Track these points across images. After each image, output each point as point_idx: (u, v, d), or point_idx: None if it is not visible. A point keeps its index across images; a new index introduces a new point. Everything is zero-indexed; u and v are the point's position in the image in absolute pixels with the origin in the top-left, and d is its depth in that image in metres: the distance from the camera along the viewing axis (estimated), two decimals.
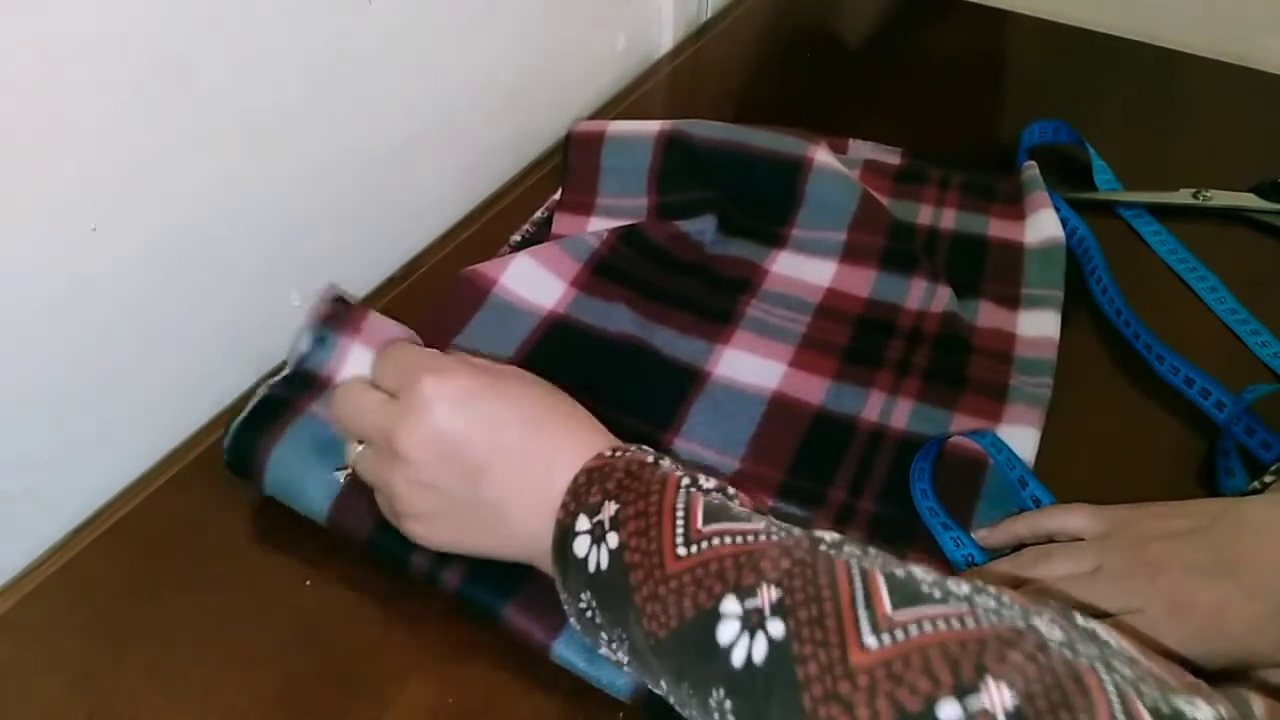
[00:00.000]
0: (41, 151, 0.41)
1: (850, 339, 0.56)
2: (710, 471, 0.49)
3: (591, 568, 0.36)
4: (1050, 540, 0.45)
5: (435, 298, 0.57)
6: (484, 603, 0.42)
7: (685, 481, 0.37)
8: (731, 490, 0.38)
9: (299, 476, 0.45)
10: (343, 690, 0.41)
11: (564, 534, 0.37)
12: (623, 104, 0.78)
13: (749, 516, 0.36)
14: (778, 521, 0.36)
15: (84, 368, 0.46)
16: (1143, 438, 0.52)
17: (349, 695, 0.41)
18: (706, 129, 0.65)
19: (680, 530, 0.35)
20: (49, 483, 0.46)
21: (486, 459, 0.39)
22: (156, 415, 0.51)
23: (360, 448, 0.42)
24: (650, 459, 0.39)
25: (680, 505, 0.36)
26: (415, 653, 0.42)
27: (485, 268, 0.58)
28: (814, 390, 0.53)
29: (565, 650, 0.41)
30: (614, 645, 0.37)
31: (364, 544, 0.44)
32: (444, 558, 0.43)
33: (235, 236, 0.51)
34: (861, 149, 0.71)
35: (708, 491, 0.37)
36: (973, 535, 0.46)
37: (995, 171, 0.69)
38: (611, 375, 0.53)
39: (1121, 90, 0.81)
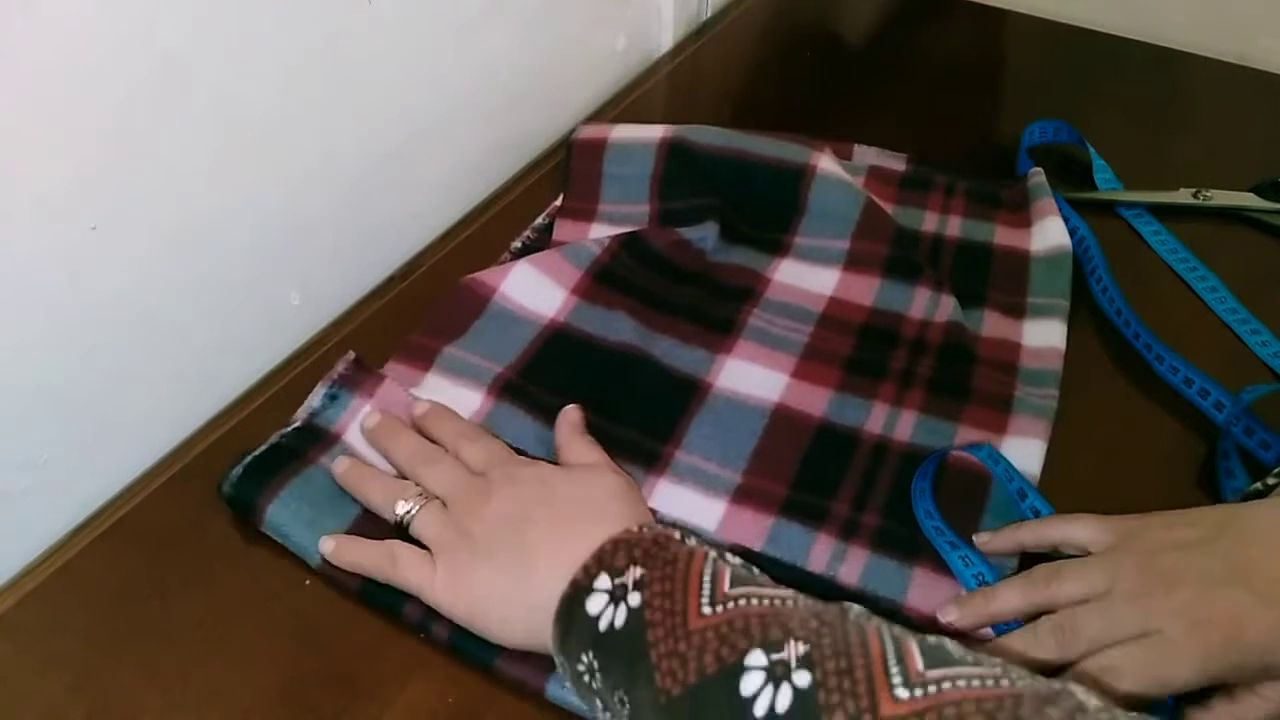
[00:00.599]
0: (41, 151, 0.41)
1: (853, 349, 0.56)
2: (714, 481, 0.49)
3: (603, 626, 0.36)
4: (1055, 550, 0.44)
5: (435, 298, 0.57)
6: (475, 654, 0.41)
7: (712, 554, 0.38)
8: (757, 569, 0.39)
9: (300, 521, 0.45)
10: (343, 690, 0.41)
11: (577, 591, 0.37)
12: (622, 104, 0.78)
13: (775, 585, 0.36)
14: (805, 594, 0.36)
15: (84, 368, 0.46)
16: (1144, 439, 0.52)
17: (349, 695, 0.41)
18: (709, 136, 0.65)
19: (706, 592, 0.35)
20: (49, 483, 0.46)
21: (541, 519, 0.41)
22: (156, 415, 0.51)
23: (410, 505, 0.44)
24: (677, 535, 0.39)
25: (707, 571, 0.36)
26: (415, 653, 0.42)
27: (485, 275, 0.57)
28: (816, 402, 0.53)
29: (560, 691, 0.40)
30: (610, 712, 0.37)
31: (356, 591, 0.44)
32: (435, 610, 0.42)
33: (235, 236, 0.51)
34: (866, 155, 0.71)
35: (734, 564, 0.38)
36: (974, 540, 0.46)
37: (995, 170, 0.69)
38: (612, 385, 0.53)
39: (1121, 90, 0.81)
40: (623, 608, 0.36)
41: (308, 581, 0.44)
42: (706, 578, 0.36)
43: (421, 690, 0.41)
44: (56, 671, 0.41)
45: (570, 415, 0.49)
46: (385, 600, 0.43)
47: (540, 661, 0.41)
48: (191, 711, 0.40)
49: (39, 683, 0.41)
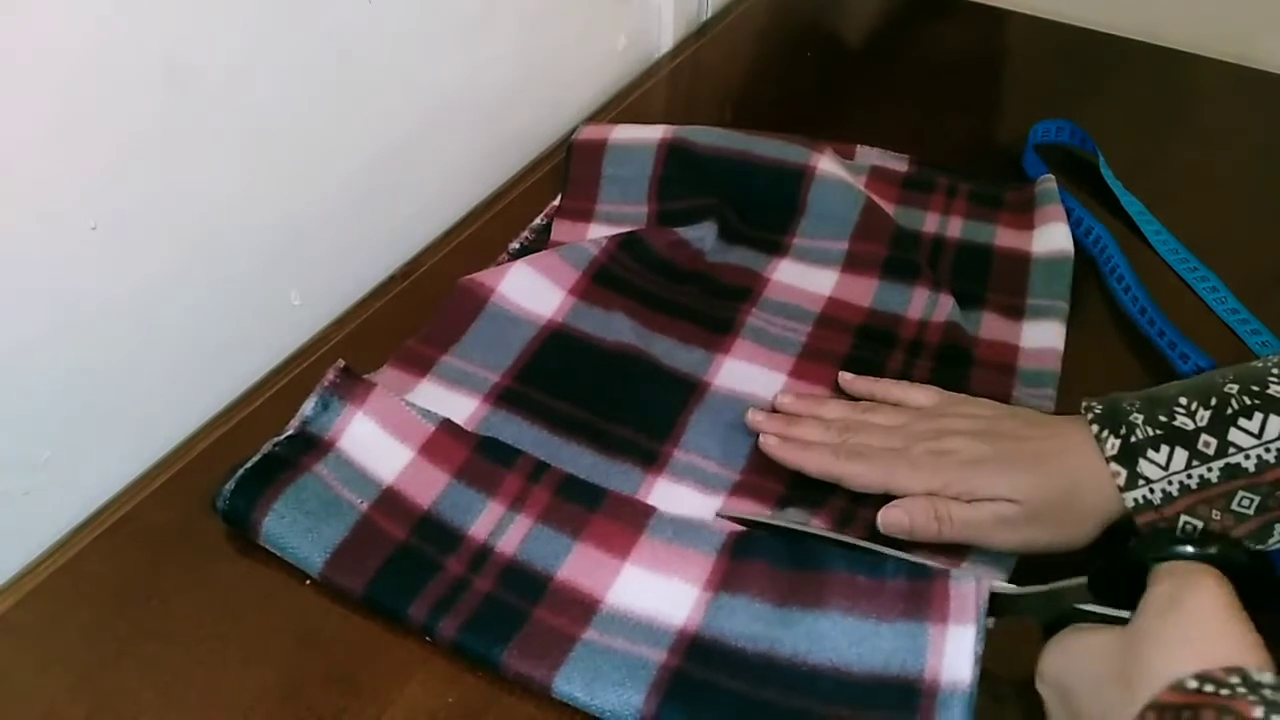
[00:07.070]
0: (41, 151, 0.41)
1: (851, 349, 0.56)
2: (713, 479, 0.49)
3: None
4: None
5: (434, 298, 0.57)
6: (481, 651, 0.41)
7: None
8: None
9: (296, 531, 0.44)
10: (343, 690, 0.41)
11: None
12: (623, 104, 0.78)
13: None
14: None
15: (84, 368, 0.46)
16: None
17: (349, 695, 0.41)
18: (709, 137, 0.65)
19: None
20: (49, 483, 0.46)
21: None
22: (157, 415, 0.51)
23: None
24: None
25: None
26: (415, 653, 0.42)
27: (483, 276, 0.57)
28: None
29: (566, 685, 0.40)
30: None
31: (358, 598, 0.43)
32: (440, 609, 0.42)
33: (235, 236, 0.51)
34: (869, 155, 0.71)
35: None
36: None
37: (996, 170, 0.69)
38: (610, 386, 0.53)
39: (1121, 90, 0.81)
40: None
41: (308, 581, 0.44)
42: None
43: (421, 690, 0.41)
44: (56, 671, 0.41)
45: None
46: (389, 603, 0.43)
47: (546, 657, 0.41)
48: (191, 711, 0.40)
49: (39, 683, 0.41)
